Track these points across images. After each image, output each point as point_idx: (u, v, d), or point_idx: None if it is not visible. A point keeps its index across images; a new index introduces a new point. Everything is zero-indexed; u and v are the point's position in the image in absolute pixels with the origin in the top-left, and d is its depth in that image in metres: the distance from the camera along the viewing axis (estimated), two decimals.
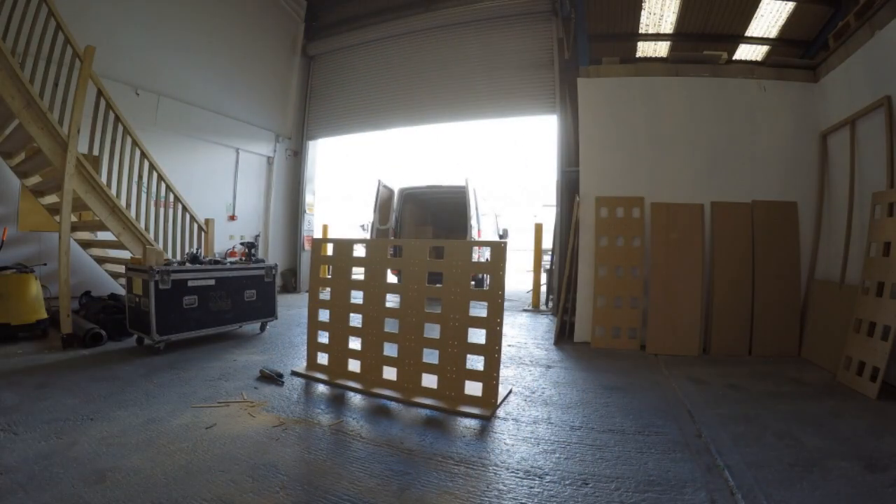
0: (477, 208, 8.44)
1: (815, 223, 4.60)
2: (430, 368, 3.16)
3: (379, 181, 8.50)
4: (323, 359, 3.68)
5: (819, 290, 4.40)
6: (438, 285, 3.17)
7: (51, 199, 5.20)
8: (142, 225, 5.15)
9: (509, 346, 4.79)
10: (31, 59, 4.28)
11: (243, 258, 5.25)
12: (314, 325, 3.70)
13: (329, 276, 3.73)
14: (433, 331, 3.15)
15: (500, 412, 2.93)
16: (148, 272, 4.06)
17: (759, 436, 2.57)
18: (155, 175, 5.39)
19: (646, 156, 4.98)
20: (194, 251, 4.70)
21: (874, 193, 3.75)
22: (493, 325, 2.97)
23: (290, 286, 9.42)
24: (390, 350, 3.34)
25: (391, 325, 3.35)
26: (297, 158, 9.72)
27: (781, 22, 6.50)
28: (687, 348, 4.46)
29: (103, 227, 4.90)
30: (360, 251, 3.62)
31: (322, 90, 9.69)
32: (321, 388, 3.39)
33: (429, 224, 10.44)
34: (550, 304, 7.28)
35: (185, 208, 5.80)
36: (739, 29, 6.78)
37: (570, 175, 6.29)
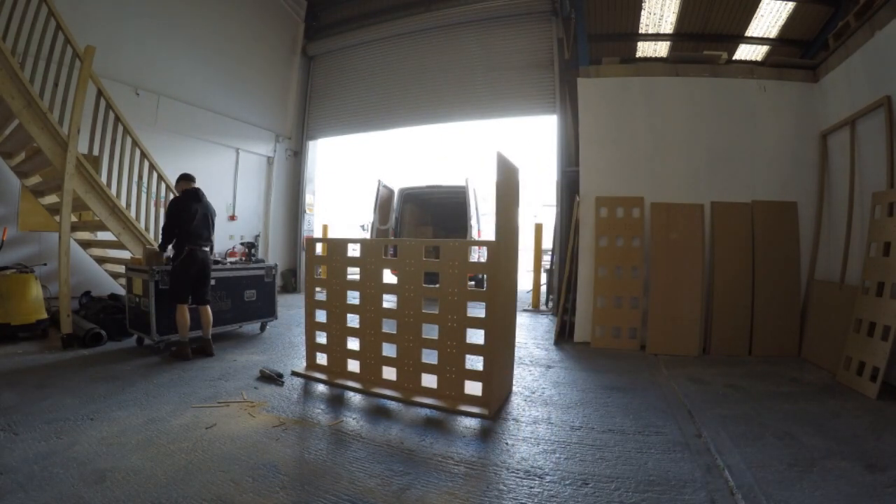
0: (477, 208, 8.44)
1: (815, 223, 4.60)
2: (430, 368, 3.15)
3: (379, 181, 8.50)
4: (322, 359, 3.67)
5: (819, 290, 4.40)
6: (436, 286, 3.12)
7: (51, 199, 5.20)
8: (142, 225, 5.15)
9: None
10: (32, 59, 4.28)
11: (243, 258, 5.26)
12: (311, 326, 3.69)
13: (323, 277, 3.66)
14: (433, 331, 3.14)
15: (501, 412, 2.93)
16: (148, 272, 4.06)
17: (759, 436, 2.57)
18: (155, 175, 5.39)
19: (646, 156, 4.98)
20: None
21: (874, 193, 3.75)
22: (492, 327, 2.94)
23: (290, 286, 9.42)
24: (389, 350, 3.33)
25: (389, 326, 3.34)
26: (297, 158, 9.73)
27: (781, 22, 6.50)
28: (687, 348, 4.46)
29: (103, 227, 4.90)
30: (354, 251, 3.49)
31: (322, 90, 9.68)
32: (321, 388, 3.39)
33: (429, 224, 10.44)
34: (550, 304, 7.28)
35: None
36: (739, 29, 6.77)
37: (570, 175, 6.29)
